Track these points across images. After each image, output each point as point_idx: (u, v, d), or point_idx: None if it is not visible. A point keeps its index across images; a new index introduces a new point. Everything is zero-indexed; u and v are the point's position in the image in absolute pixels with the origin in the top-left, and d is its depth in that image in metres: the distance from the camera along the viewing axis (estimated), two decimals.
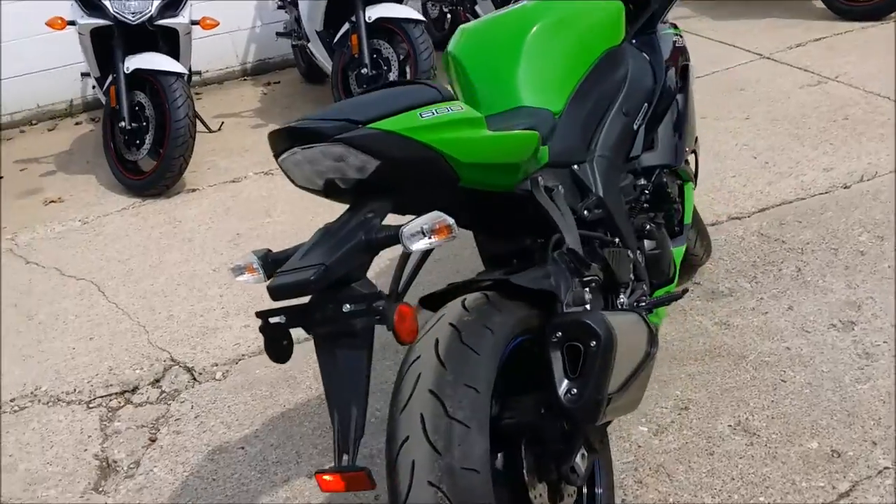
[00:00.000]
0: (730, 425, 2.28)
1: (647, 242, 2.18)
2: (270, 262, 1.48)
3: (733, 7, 6.08)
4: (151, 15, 4.37)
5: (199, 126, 4.62)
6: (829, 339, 2.54)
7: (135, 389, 2.92)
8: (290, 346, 1.45)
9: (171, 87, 4.29)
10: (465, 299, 1.69)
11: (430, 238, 1.37)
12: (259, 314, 1.42)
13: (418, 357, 1.55)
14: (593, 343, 1.48)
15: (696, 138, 2.57)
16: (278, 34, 5.91)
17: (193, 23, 4.61)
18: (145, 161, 4.52)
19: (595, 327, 1.49)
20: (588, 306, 1.68)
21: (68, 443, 2.70)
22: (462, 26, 2.22)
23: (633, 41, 2.44)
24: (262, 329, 1.42)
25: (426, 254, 2.01)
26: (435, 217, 1.37)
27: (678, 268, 2.33)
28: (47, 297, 3.64)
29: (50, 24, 4.42)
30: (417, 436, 1.44)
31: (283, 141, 1.40)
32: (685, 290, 2.09)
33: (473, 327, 1.58)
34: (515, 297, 1.70)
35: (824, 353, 2.49)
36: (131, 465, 2.55)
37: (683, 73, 2.48)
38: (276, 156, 1.44)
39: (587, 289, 1.69)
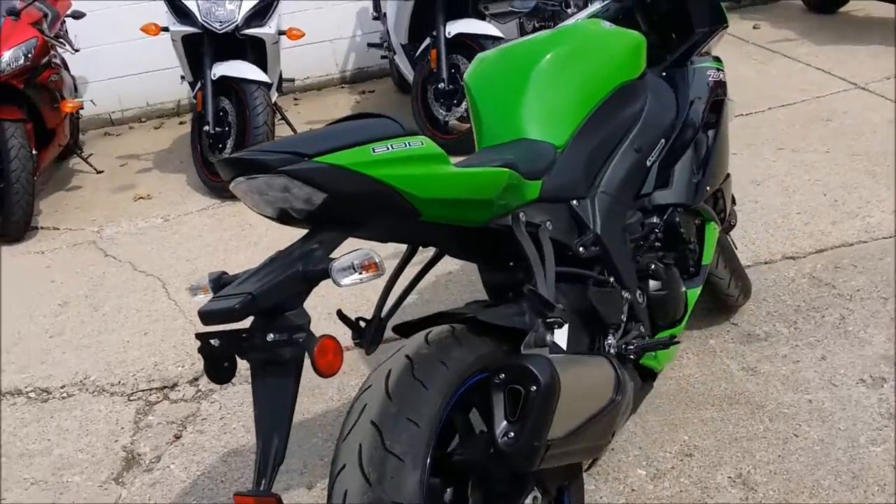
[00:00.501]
0: (730, 477, 2.20)
1: (651, 283, 2.13)
2: (221, 284, 1.53)
3: (839, 29, 5.83)
4: (238, 24, 4.54)
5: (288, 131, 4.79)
6: (855, 394, 2.42)
7: (174, 386, 3.06)
8: (232, 368, 1.50)
9: (253, 95, 4.45)
10: (429, 332, 1.70)
11: (360, 273, 1.40)
12: (198, 336, 1.48)
13: (369, 387, 1.58)
14: (533, 388, 1.47)
15: (728, 175, 2.48)
16: (370, 45, 6.04)
17: (281, 33, 4.77)
18: None
19: (535, 372, 1.47)
20: (548, 349, 1.66)
21: (102, 432, 2.86)
22: (480, 54, 2.23)
23: (664, 73, 2.39)
24: (200, 350, 1.48)
25: (417, 279, 2.04)
26: (364, 254, 1.40)
27: (690, 310, 2.26)
28: (116, 291, 3.84)
29: (144, 29, 4.66)
30: (353, 465, 1.47)
31: (229, 170, 1.45)
32: (673, 339, 2.04)
33: (427, 361, 1.60)
34: (485, 332, 1.71)
35: (846, 410, 2.37)
36: (153, 460, 2.67)
37: (717, 108, 2.41)
38: (227, 183, 1.49)
39: (550, 330, 1.67)
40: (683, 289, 2.26)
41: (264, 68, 4.74)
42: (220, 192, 4.66)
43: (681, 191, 2.22)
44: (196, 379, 3.08)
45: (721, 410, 2.45)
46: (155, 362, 3.22)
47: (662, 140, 2.21)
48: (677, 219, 2.20)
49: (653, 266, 2.12)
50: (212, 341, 1.46)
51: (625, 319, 1.99)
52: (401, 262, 1.96)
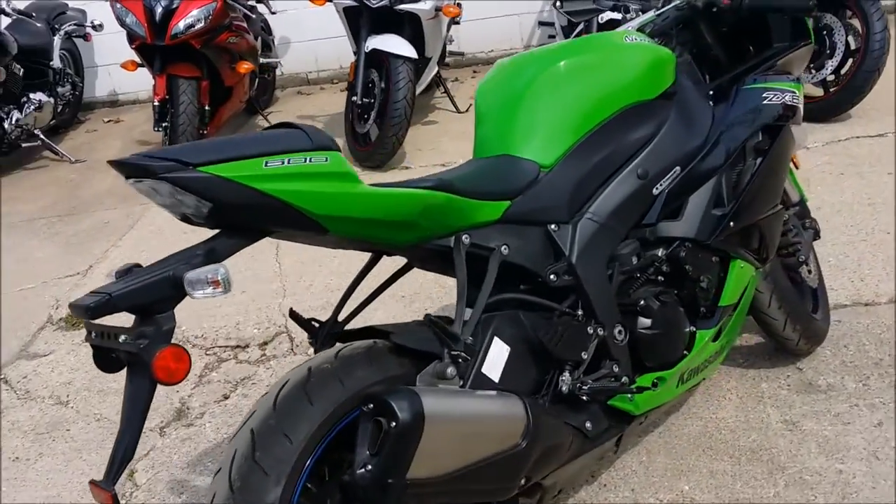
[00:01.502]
0: None
1: (640, 320, 1.97)
2: (124, 275, 1.60)
3: None
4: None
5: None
6: None
7: (245, 347, 3.24)
8: (118, 360, 1.56)
9: (397, 70, 4.53)
10: (346, 346, 1.71)
11: (212, 288, 1.41)
12: (85, 325, 1.56)
13: (266, 394, 1.62)
14: (392, 423, 1.43)
15: (778, 209, 2.22)
16: (540, 23, 5.93)
17: (437, 9, 4.80)
18: (374, 133, 4.85)
19: (395, 408, 1.43)
20: (446, 382, 1.60)
21: None
22: (499, 60, 2.16)
23: (711, 92, 2.18)
24: (86, 339, 1.56)
25: (385, 285, 2.03)
26: (213, 269, 1.41)
27: (695, 351, 2.08)
28: None
29: (313, 0, 4.86)
30: (225, 470, 1.52)
31: (119, 171, 1.50)
32: (637, 387, 1.90)
33: (325, 377, 1.61)
34: (406, 353, 1.69)
35: (875, 488, 2.09)
36: (196, 416, 2.86)
37: (772, 134, 2.17)
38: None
39: (454, 363, 1.61)
40: (690, 329, 2.08)
41: (421, 43, 4.81)
42: (362, 161, 4.81)
43: (692, 224, 2.03)
44: (266, 343, 3.24)
45: (737, 464, 2.24)
46: (238, 321, 3.42)
47: (677, 168, 2.02)
48: (683, 254, 2.01)
49: (643, 302, 1.96)
50: (92, 333, 1.53)
51: (586, 356, 1.86)
52: (364, 267, 1.96)
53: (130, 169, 1.44)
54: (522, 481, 1.68)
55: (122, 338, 1.43)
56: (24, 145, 5.91)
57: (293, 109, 6.41)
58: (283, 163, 1.45)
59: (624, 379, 1.93)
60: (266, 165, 1.44)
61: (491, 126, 2.00)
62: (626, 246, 1.96)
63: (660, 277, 2.03)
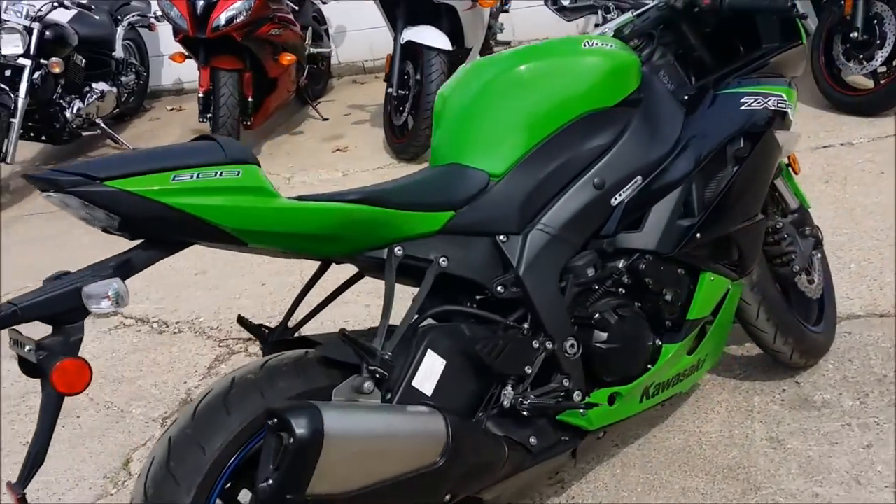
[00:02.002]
0: None
1: (596, 333, 1.92)
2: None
3: None
4: None
5: None
6: (875, 498, 2.02)
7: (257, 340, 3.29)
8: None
9: (430, 62, 4.52)
10: (276, 356, 1.71)
11: (107, 302, 1.42)
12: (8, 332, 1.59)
13: (190, 401, 1.64)
14: (290, 439, 1.44)
15: (756, 220, 2.13)
16: None
17: (474, 1, 4.75)
18: (409, 125, 4.85)
19: (292, 424, 1.43)
20: (364, 397, 1.59)
21: (181, 371, 3.16)
22: (462, 65, 2.12)
23: (686, 97, 2.10)
24: (9, 345, 1.59)
25: (337, 293, 2.02)
26: (106, 284, 1.42)
27: (659, 365, 2.01)
28: None
29: None
30: (143, 478, 1.55)
31: (34, 185, 1.51)
32: (586, 403, 1.85)
33: (246, 387, 1.62)
34: (336, 365, 1.68)
35: None
36: None
37: (754, 140, 2.08)
38: None
39: (371, 377, 1.60)
40: (655, 342, 2.02)
41: (460, 34, 4.78)
42: (400, 153, 4.82)
43: (652, 236, 1.96)
44: None
45: (711, 482, 2.17)
46: (253, 314, 3.47)
47: (639, 177, 1.95)
48: (643, 266, 1.95)
49: (598, 315, 1.91)
50: (10, 340, 1.55)
51: (530, 371, 1.82)
52: (314, 274, 1.96)
53: (41, 183, 1.46)
54: (448, 497, 1.66)
55: (27, 348, 1.46)
56: (84, 134, 6.11)
57: (345, 98, 6.46)
58: (192, 177, 1.45)
59: (576, 394, 1.88)
60: (174, 179, 1.44)
61: (444, 134, 1.97)
62: (581, 258, 1.91)
63: (621, 290, 1.97)
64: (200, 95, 5.05)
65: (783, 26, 2.22)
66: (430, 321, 1.78)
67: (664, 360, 2.02)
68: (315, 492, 1.44)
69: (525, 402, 1.79)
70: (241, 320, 1.91)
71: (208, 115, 5.01)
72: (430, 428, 1.60)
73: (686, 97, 2.09)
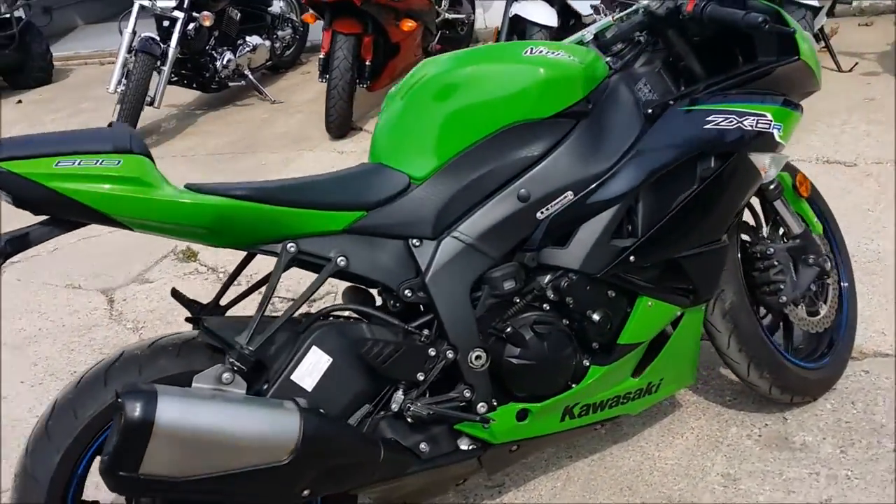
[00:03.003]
0: None
1: (508, 347, 1.88)
2: None
3: None
4: None
5: None
6: None
7: None
8: None
9: (531, 38, 4.44)
10: (168, 335, 1.80)
11: None
12: None
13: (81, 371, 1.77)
14: (121, 419, 1.51)
15: (719, 247, 1.99)
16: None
17: None
18: None
19: (125, 405, 1.48)
20: (224, 386, 1.65)
21: None
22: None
23: (650, 110, 1.98)
24: None
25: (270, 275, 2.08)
26: None
27: (582, 386, 1.94)
28: None
29: None
30: (33, 428, 1.72)
31: None
32: (482, 417, 1.83)
33: (129, 362, 1.73)
34: (216, 348, 1.76)
35: None
36: None
37: (721, 161, 1.94)
38: None
39: (231, 369, 1.65)
40: (583, 362, 1.94)
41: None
42: None
43: (577, 255, 1.87)
44: (315, 301, 3.40)
45: None
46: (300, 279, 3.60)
47: (569, 193, 1.86)
48: (565, 284, 1.88)
49: (510, 329, 1.87)
50: None
51: (423, 378, 1.81)
52: (243, 259, 2.01)
53: None
54: (306, 492, 1.69)
55: None
56: (231, 84, 6.47)
57: None
58: (74, 163, 1.55)
59: (480, 406, 1.85)
60: (57, 165, 1.54)
61: (379, 132, 1.96)
62: (500, 269, 1.86)
63: (545, 306, 1.91)
64: (321, 57, 5.22)
65: (780, 40, 2.03)
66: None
67: (589, 381, 1.95)
68: (148, 472, 1.50)
69: (412, 409, 1.79)
70: (175, 293, 1.99)
71: (326, 76, 5.17)
72: (280, 425, 1.60)
73: (650, 111, 1.97)
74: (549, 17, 4.47)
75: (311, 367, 1.74)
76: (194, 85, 6.39)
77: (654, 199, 1.93)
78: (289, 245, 1.73)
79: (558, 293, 1.89)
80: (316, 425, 1.64)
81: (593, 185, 1.87)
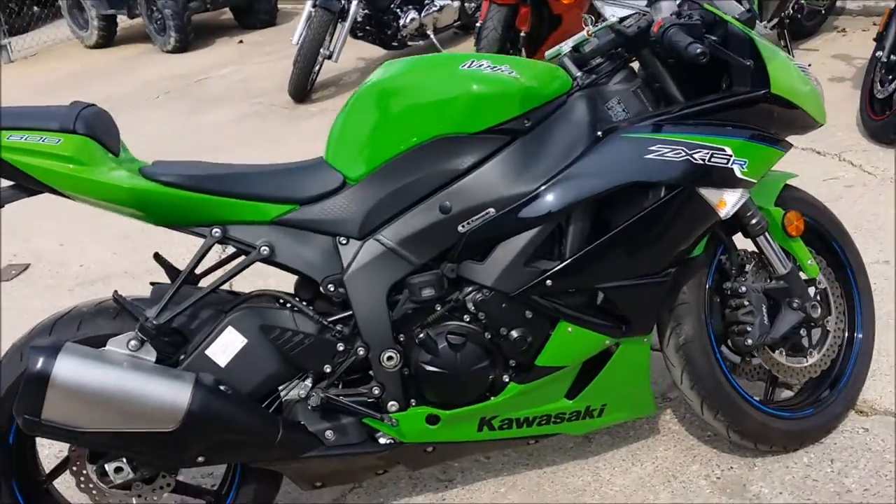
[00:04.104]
0: None
1: (421, 352, 1.94)
2: None
3: None
4: None
5: None
6: None
7: None
8: None
9: None
10: (120, 297, 2.02)
11: None
12: None
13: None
14: (26, 369, 1.75)
15: (656, 282, 1.93)
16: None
17: None
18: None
19: (29, 357, 1.74)
20: (132, 353, 1.83)
21: None
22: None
23: (600, 133, 1.93)
24: None
25: None
26: None
27: (499, 400, 1.97)
28: None
29: None
30: None
31: None
32: (385, 416, 1.91)
33: (76, 317, 1.94)
34: None
35: None
36: None
37: (667, 194, 1.88)
38: None
39: (138, 339, 1.83)
40: (502, 377, 1.98)
41: None
42: (877, 134, 4.11)
43: (493, 272, 1.89)
44: None
45: None
46: None
47: (491, 210, 1.87)
48: (480, 299, 1.91)
49: (422, 336, 1.93)
50: None
51: (330, 370, 1.92)
52: None
53: None
54: (200, 458, 1.88)
55: None
56: (410, 43, 6.68)
57: (829, 48, 5.97)
58: (21, 137, 1.78)
59: (391, 404, 1.95)
60: (9, 138, 1.78)
61: (331, 130, 2.01)
62: (421, 276, 1.91)
63: (466, 317, 1.95)
64: (477, 25, 5.29)
65: (754, 69, 1.90)
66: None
67: (506, 397, 1.98)
68: (48, 419, 1.75)
69: (313, 397, 1.92)
70: (157, 257, 2.17)
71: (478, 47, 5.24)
72: (169, 395, 1.78)
73: (600, 133, 1.92)
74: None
75: (226, 346, 1.91)
76: (375, 41, 6.66)
77: (583, 226, 1.91)
78: (214, 230, 1.89)
79: (475, 307, 1.92)
80: (204, 399, 1.80)
81: (515, 205, 1.87)
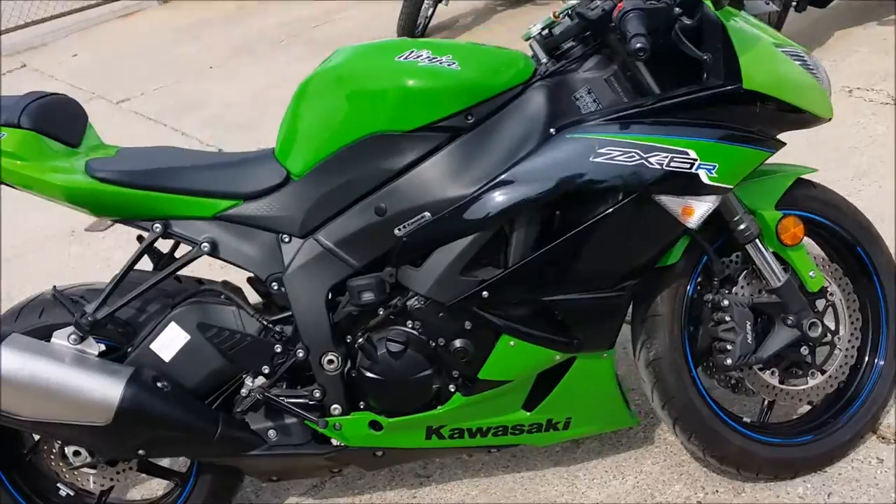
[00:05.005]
0: None
1: (360, 357, 1.86)
2: None
3: None
4: None
5: None
6: None
7: None
8: None
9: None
10: (86, 285, 2.05)
11: None
12: None
13: None
14: None
15: (610, 297, 1.75)
16: None
17: None
18: None
19: None
20: (73, 345, 1.86)
21: None
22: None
23: (553, 130, 1.74)
24: None
25: None
26: None
27: (443, 410, 1.87)
28: None
29: None
30: None
31: None
32: (323, 420, 1.87)
33: (43, 303, 1.98)
34: None
35: None
36: None
37: (592, 201, 1.72)
38: None
39: (80, 331, 1.85)
40: (448, 387, 1.87)
41: None
42: None
43: (427, 279, 1.77)
44: None
45: None
46: None
47: (426, 213, 1.74)
48: (415, 307, 1.81)
49: (362, 340, 1.85)
50: None
51: (268, 371, 1.88)
52: None
53: None
54: (140, 452, 1.90)
55: None
56: None
57: None
58: None
59: (334, 408, 1.89)
60: None
61: (281, 122, 1.91)
62: (361, 280, 1.82)
63: (409, 323, 1.85)
64: None
65: (727, 61, 1.66)
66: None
67: (452, 408, 1.88)
68: (4, 408, 1.82)
69: (250, 397, 1.89)
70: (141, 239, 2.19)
71: None
72: (100, 391, 1.79)
73: (553, 130, 1.74)
74: None
75: (169, 341, 1.91)
76: None
77: (528, 233, 1.75)
78: (155, 225, 1.87)
79: (411, 316, 1.82)
80: (135, 396, 1.81)
81: (451, 209, 1.73)
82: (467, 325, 1.82)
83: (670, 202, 1.70)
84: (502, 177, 1.72)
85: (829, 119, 1.83)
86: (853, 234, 1.99)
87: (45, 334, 1.90)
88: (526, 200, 1.71)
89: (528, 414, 1.93)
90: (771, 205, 1.89)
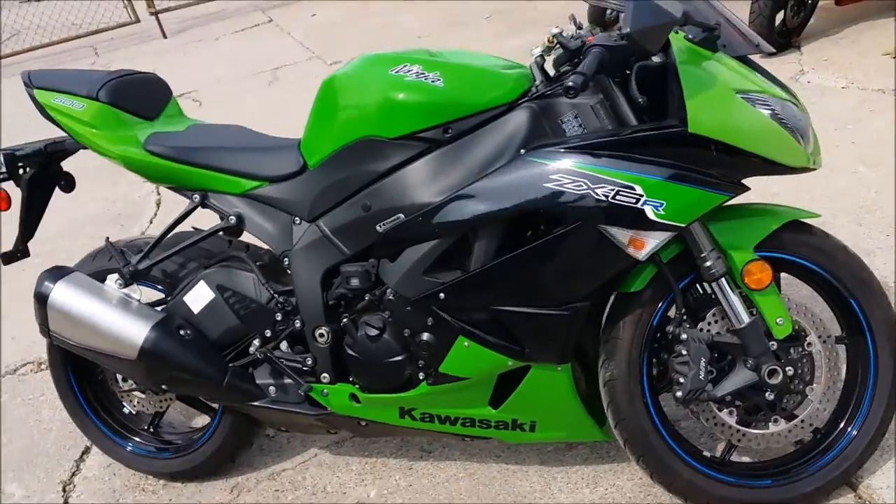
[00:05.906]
0: None
1: (345, 336, 2.08)
2: None
3: None
4: None
5: None
6: None
7: None
8: None
9: None
10: (145, 238, 2.41)
11: None
12: None
13: None
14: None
15: (560, 314, 1.82)
16: None
17: None
18: None
19: (38, 279, 2.23)
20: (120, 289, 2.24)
21: None
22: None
23: (522, 150, 1.84)
24: None
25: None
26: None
27: (411, 395, 2.04)
28: None
29: None
30: None
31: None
32: (309, 385, 2.09)
33: (105, 253, 2.39)
34: None
35: None
36: None
37: (546, 222, 1.82)
38: None
39: (119, 276, 2.23)
40: (418, 374, 2.04)
41: None
42: None
43: (395, 274, 1.94)
44: None
45: None
46: None
47: (401, 215, 1.91)
48: (387, 298, 1.99)
49: (346, 320, 2.07)
50: None
51: (270, 335, 2.14)
52: None
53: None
54: (164, 386, 2.24)
55: None
56: None
57: None
58: (61, 101, 2.23)
59: (323, 376, 2.14)
60: (54, 100, 2.24)
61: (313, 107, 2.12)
62: (351, 266, 2.03)
63: (385, 312, 2.04)
64: None
65: (680, 101, 1.68)
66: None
67: (418, 394, 2.05)
68: (55, 330, 2.24)
69: (255, 354, 2.17)
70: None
71: None
72: (129, 332, 2.15)
73: (522, 151, 1.84)
74: None
75: (199, 297, 2.23)
76: None
77: (489, 244, 1.88)
78: (195, 196, 2.19)
79: (384, 305, 2.01)
80: (156, 339, 2.16)
81: (420, 213, 1.89)
82: (430, 321, 1.97)
83: (617, 233, 1.75)
84: (465, 190, 1.85)
85: (808, 168, 1.79)
86: (847, 285, 1.92)
87: (103, 277, 2.29)
88: (482, 215, 1.82)
89: (494, 411, 2.06)
90: (749, 246, 1.87)
